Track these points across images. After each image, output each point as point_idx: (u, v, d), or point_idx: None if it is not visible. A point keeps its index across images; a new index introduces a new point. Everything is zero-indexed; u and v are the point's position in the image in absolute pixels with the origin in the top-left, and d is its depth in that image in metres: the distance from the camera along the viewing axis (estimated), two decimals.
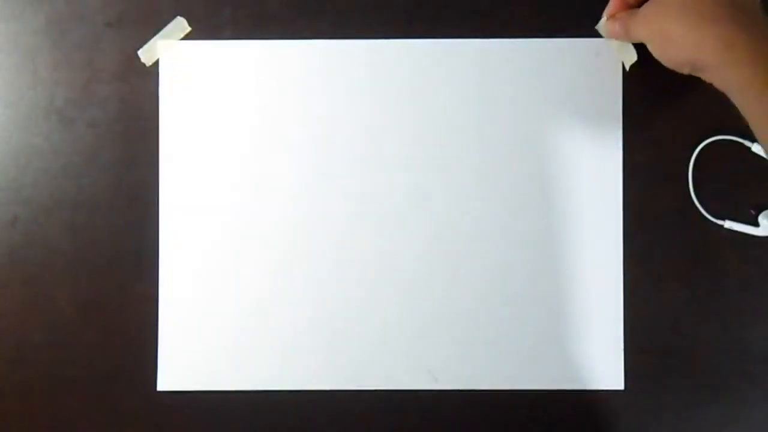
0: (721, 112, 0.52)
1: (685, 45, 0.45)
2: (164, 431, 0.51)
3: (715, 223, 0.52)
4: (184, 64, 0.52)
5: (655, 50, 0.47)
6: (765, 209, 0.51)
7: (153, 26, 0.52)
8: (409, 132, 0.52)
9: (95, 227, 0.52)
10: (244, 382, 0.52)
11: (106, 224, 0.52)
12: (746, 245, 0.52)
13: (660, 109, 0.52)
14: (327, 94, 0.52)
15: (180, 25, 0.52)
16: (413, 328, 0.52)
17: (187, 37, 0.52)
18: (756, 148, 0.51)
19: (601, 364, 0.52)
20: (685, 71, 0.46)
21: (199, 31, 0.53)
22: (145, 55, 0.52)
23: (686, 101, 0.52)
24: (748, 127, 0.51)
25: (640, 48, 0.52)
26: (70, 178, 0.52)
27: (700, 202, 0.52)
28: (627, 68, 0.52)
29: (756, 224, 0.52)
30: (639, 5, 0.48)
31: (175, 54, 0.52)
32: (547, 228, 0.52)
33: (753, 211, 0.52)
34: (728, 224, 0.51)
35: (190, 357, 0.52)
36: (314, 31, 0.52)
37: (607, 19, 0.50)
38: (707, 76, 0.45)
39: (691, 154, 0.52)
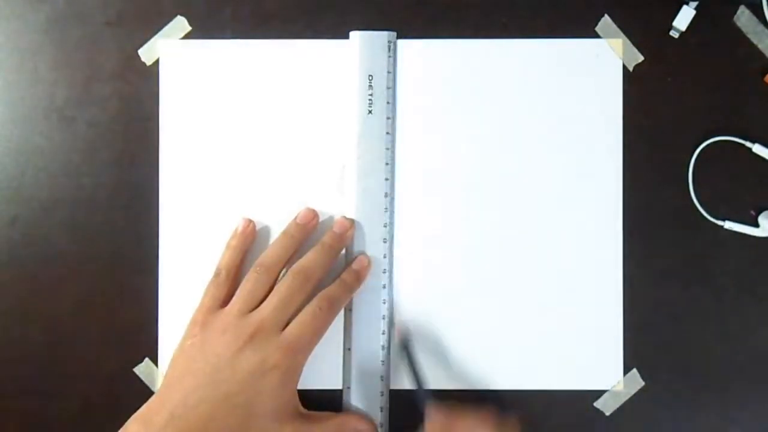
0: (721, 113, 0.52)
1: None
2: None
3: (715, 224, 0.52)
4: (184, 63, 0.52)
5: None
6: (765, 210, 0.52)
7: (153, 25, 0.52)
8: (407, 132, 0.52)
9: (95, 226, 0.52)
10: None
11: (106, 223, 0.52)
12: (746, 246, 0.52)
13: (660, 109, 0.52)
14: (326, 94, 0.52)
15: (180, 24, 0.52)
16: (413, 327, 0.52)
17: (187, 37, 0.52)
18: (756, 149, 0.51)
19: (601, 364, 0.52)
20: None
21: (200, 31, 0.52)
22: (146, 54, 0.52)
23: (686, 101, 0.52)
24: (748, 127, 0.52)
25: (643, 49, 0.52)
26: (70, 177, 0.52)
27: (700, 202, 0.52)
28: (631, 69, 0.52)
29: (756, 225, 0.52)
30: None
31: (175, 53, 0.52)
32: (546, 228, 0.52)
33: (753, 212, 0.52)
34: (728, 225, 0.52)
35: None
36: (314, 31, 0.52)
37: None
38: None
39: (691, 154, 0.52)
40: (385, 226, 0.51)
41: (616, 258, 0.52)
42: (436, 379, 0.51)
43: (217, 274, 0.50)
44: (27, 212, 0.52)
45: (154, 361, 0.52)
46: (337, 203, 0.52)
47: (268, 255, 0.49)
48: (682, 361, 0.52)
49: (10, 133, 0.52)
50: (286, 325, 0.47)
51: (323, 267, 0.49)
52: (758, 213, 0.52)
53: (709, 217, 0.52)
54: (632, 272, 0.52)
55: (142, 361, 0.52)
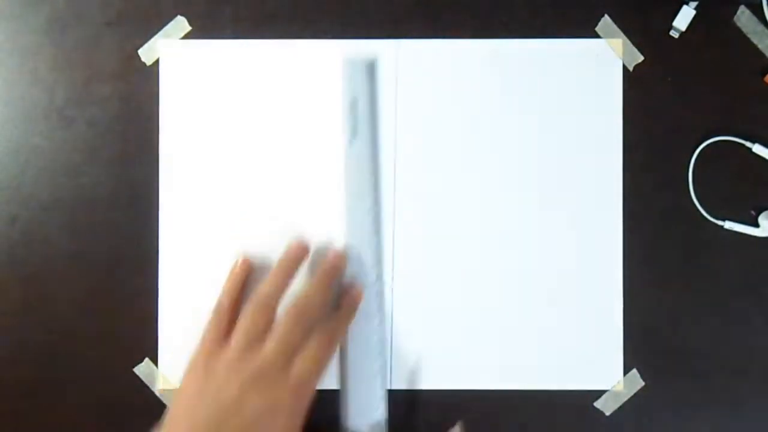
0: (721, 113, 0.52)
1: None
2: None
3: (715, 224, 0.52)
4: (184, 63, 0.52)
5: None
6: (765, 210, 0.52)
7: (153, 25, 0.52)
8: (405, 132, 0.52)
9: (95, 226, 0.52)
10: None
11: (106, 223, 0.52)
12: (746, 246, 0.52)
13: (660, 109, 0.52)
14: (326, 94, 0.52)
15: (180, 24, 0.52)
16: (413, 327, 0.52)
17: (187, 37, 0.52)
18: (756, 149, 0.51)
19: (601, 364, 0.52)
20: None
21: (200, 31, 0.53)
22: (146, 54, 0.52)
23: (686, 101, 0.52)
24: (748, 127, 0.52)
25: (643, 49, 0.52)
26: (70, 177, 0.52)
27: (700, 202, 0.52)
28: (631, 69, 0.52)
29: (756, 225, 0.52)
30: None
31: (175, 53, 0.52)
32: (546, 228, 0.52)
33: (753, 212, 0.52)
34: (728, 225, 0.52)
35: (190, 357, 0.51)
36: (314, 31, 0.52)
37: None
38: None
39: (691, 154, 0.52)
40: (378, 222, 0.52)
41: (616, 258, 0.52)
42: (436, 379, 0.51)
43: (216, 311, 0.49)
44: (27, 212, 0.52)
45: (154, 361, 0.52)
46: (335, 203, 0.52)
47: (263, 291, 0.48)
48: (682, 361, 0.52)
49: (10, 133, 0.52)
50: (290, 361, 0.47)
51: (319, 304, 0.49)
52: (758, 213, 0.52)
53: (709, 217, 0.52)
54: (632, 272, 0.52)
55: (142, 361, 0.52)
